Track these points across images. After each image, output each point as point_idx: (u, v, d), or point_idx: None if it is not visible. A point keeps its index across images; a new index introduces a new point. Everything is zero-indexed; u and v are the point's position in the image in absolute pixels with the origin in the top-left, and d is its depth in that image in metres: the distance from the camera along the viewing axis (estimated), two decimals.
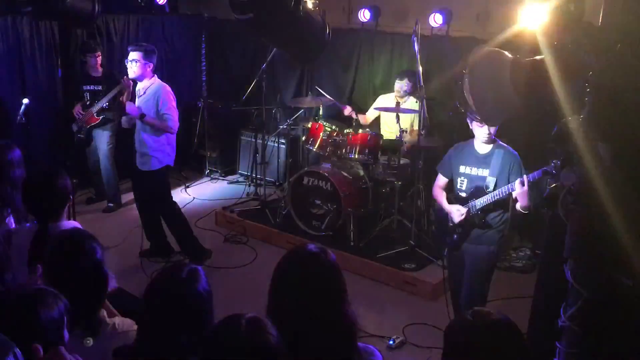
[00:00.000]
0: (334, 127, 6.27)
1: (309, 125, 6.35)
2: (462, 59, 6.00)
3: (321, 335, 2.01)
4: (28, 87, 6.78)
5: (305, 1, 3.97)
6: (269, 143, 7.57)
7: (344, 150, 6.06)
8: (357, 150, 5.97)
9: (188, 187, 7.91)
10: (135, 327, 2.28)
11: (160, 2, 7.97)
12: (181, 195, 7.50)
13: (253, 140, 7.60)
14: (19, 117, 5.41)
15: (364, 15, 6.86)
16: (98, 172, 7.01)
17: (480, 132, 4.05)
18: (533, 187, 3.91)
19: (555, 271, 2.39)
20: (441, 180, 4.37)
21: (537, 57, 2.06)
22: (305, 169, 6.45)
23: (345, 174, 6.14)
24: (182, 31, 8.38)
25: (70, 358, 1.91)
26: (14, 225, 3.39)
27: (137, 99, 5.40)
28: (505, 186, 3.97)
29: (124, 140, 7.62)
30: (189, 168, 8.30)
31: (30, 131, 6.14)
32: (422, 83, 5.48)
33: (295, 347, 1.89)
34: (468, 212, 4.12)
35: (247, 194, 7.43)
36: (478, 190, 4.10)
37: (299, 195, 6.22)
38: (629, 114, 1.78)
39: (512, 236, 6.01)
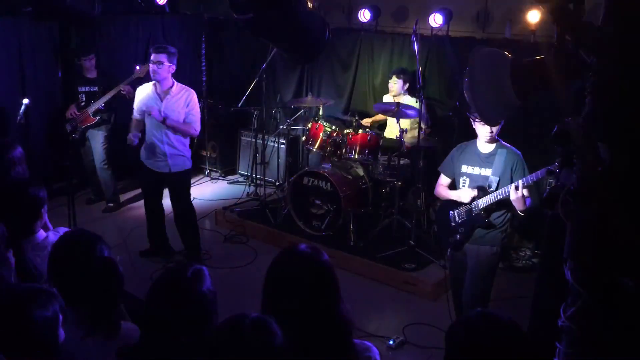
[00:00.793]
0: (334, 127, 6.28)
1: (309, 125, 6.36)
2: (462, 59, 6.06)
3: (315, 333, 2.02)
4: (28, 87, 6.78)
5: (306, 1, 3.97)
6: (269, 143, 7.58)
7: (344, 150, 6.06)
8: (357, 150, 5.98)
9: None
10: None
11: (160, 2, 7.97)
12: None
13: (253, 140, 7.60)
14: (18, 117, 5.40)
15: (364, 15, 6.86)
16: (94, 172, 7.02)
17: (483, 131, 4.05)
18: (533, 187, 3.91)
19: (555, 271, 2.39)
20: (444, 180, 4.36)
21: (537, 57, 2.06)
22: (305, 169, 6.45)
23: (345, 174, 6.15)
24: (182, 31, 8.38)
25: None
26: None
27: (156, 101, 5.30)
28: (507, 186, 3.96)
29: (123, 141, 7.68)
30: None
31: (29, 131, 6.14)
32: (421, 83, 5.48)
33: (291, 346, 1.89)
34: (469, 212, 4.12)
35: (247, 194, 7.44)
36: (480, 190, 4.10)
37: (299, 195, 6.22)
38: (629, 114, 1.78)
39: (512, 236, 6.01)
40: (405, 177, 6.05)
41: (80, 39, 7.22)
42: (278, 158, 7.68)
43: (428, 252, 5.63)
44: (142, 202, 7.26)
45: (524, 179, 3.85)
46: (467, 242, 4.19)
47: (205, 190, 7.85)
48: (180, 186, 5.59)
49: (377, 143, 6.00)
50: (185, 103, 5.32)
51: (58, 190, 6.11)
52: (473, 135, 4.19)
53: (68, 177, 5.47)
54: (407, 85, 6.34)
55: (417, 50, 5.40)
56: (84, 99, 6.72)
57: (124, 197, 7.33)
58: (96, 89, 6.69)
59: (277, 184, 7.70)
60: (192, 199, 5.88)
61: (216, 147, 8.30)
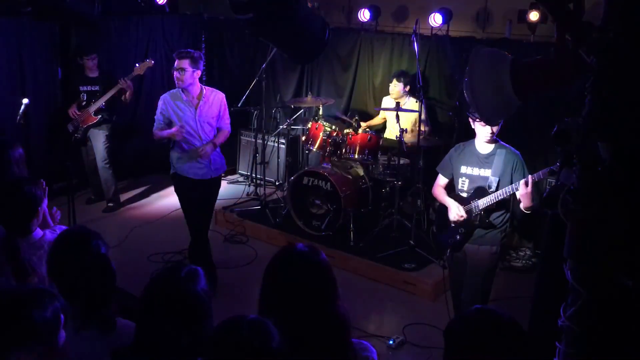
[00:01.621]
0: (334, 127, 6.28)
1: (309, 125, 6.36)
2: (462, 59, 6.06)
3: (313, 333, 2.02)
4: (28, 87, 6.79)
5: (306, 1, 3.97)
6: (268, 143, 7.58)
7: (344, 150, 6.07)
8: (357, 150, 5.98)
9: None
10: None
11: (160, 2, 7.96)
12: None
13: (253, 140, 7.60)
14: (18, 117, 5.40)
15: (364, 15, 6.86)
16: (95, 172, 7.02)
17: (483, 131, 4.04)
18: (534, 186, 3.91)
19: (555, 271, 2.39)
20: (441, 180, 4.36)
21: (537, 57, 2.06)
22: (305, 169, 6.45)
23: (345, 174, 6.15)
24: (182, 31, 8.38)
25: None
26: None
27: (188, 110, 4.92)
28: (509, 186, 3.96)
29: (123, 141, 7.69)
30: None
31: (30, 131, 6.14)
32: (421, 83, 5.48)
33: (288, 345, 1.89)
34: (469, 212, 4.11)
35: (247, 194, 7.44)
36: (480, 191, 4.09)
37: (299, 195, 6.22)
38: (629, 114, 1.78)
39: (512, 236, 6.02)
40: (405, 177, 6.05)
41: (80, 39, 7.21)
42: (278, 158, 7.68)
43: (428, 252, 5.63)
44: (142, 202, 7.33)
45: (535, 174, 3.83)
46: (466, 242, 4.19)
47: None
48: (216, 190, 5.26)
49: (377, 143, 6.00)
50: (219, 106, 5.03)
51: (58, 190, 6.11)
52: (473, 135, 4.18)
53: (68, 177, 5.46)
54: (408, 87, 6.35)
55: (417, 50, 5.40)
56: (85, 99, 6.72)
57: (124, 197, 7.33)
58: (97, 88, 6.70)
59: (277, 183, 7.70)
60: None
61: None
